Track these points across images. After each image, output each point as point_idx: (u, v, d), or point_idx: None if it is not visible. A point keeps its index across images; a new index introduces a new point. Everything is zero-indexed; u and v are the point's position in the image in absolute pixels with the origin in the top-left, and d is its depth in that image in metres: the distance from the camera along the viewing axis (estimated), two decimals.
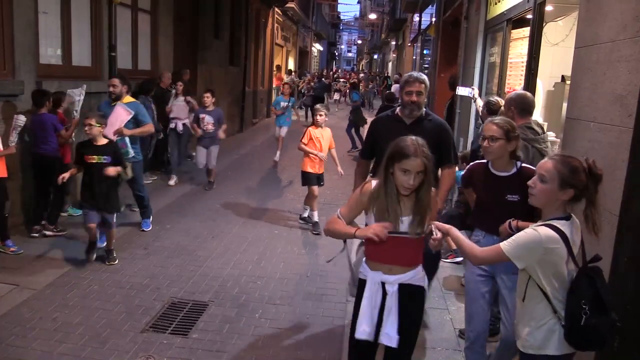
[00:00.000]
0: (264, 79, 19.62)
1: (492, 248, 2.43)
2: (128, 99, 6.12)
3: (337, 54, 75.05)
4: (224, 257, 5.60)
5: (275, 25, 21.54)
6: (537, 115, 6.02)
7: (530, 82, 5.30)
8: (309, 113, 17.11)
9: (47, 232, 5.89)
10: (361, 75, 38.97)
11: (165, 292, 4.65)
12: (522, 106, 3.84)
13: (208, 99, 8.23)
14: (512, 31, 6.35)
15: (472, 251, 2.50)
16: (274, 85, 20.48)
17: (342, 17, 66.40)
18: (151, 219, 6.41)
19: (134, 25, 9.08)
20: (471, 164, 3.52)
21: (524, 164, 3.17)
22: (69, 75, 7.02)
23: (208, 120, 8.20)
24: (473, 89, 6.48)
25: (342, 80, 32.90)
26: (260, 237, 6.28)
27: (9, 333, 3.82)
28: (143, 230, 6.23)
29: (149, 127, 6.20)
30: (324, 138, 6.71)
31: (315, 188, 6.73)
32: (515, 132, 3.11)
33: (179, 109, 8.96)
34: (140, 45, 9.38)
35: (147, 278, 4.92)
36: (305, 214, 6.99)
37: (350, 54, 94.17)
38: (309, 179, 6.71)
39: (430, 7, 15.86)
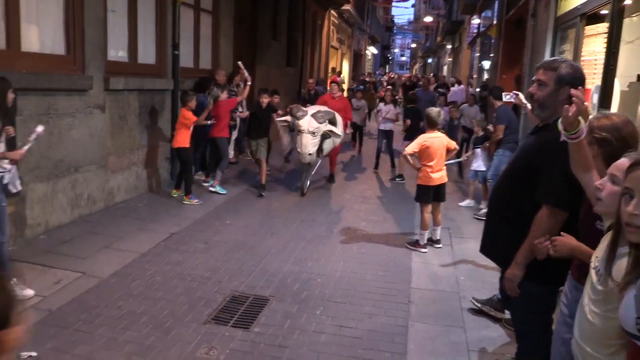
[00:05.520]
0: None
1: None
2: None
3: (390, 57, 74.62)
4: (283, 253, 5.56)
5: (331, 27, 21.58)
6: None
7: (608, 80, 5.04)
8: None
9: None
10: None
11: (226, 286, 4.65)
12: None
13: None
14: (586, 27, 6.08)
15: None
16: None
17: (396, 21, 66.02)
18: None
19: (196, 25, 9.24)
20: None
21: None
22: (134, 72, 7.18)
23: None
24: (517, 94, 5.97)
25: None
26: (319, 236, 6.21)
27: (76, 318, 3.90)
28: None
29: None
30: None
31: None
32: (601, 133, 2.34)
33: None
34: (202, 44, 9.53)
35: (208, 271, 4.94)
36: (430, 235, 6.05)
37: (403, 58, 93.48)
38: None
39: (488, 9, 15.50)
